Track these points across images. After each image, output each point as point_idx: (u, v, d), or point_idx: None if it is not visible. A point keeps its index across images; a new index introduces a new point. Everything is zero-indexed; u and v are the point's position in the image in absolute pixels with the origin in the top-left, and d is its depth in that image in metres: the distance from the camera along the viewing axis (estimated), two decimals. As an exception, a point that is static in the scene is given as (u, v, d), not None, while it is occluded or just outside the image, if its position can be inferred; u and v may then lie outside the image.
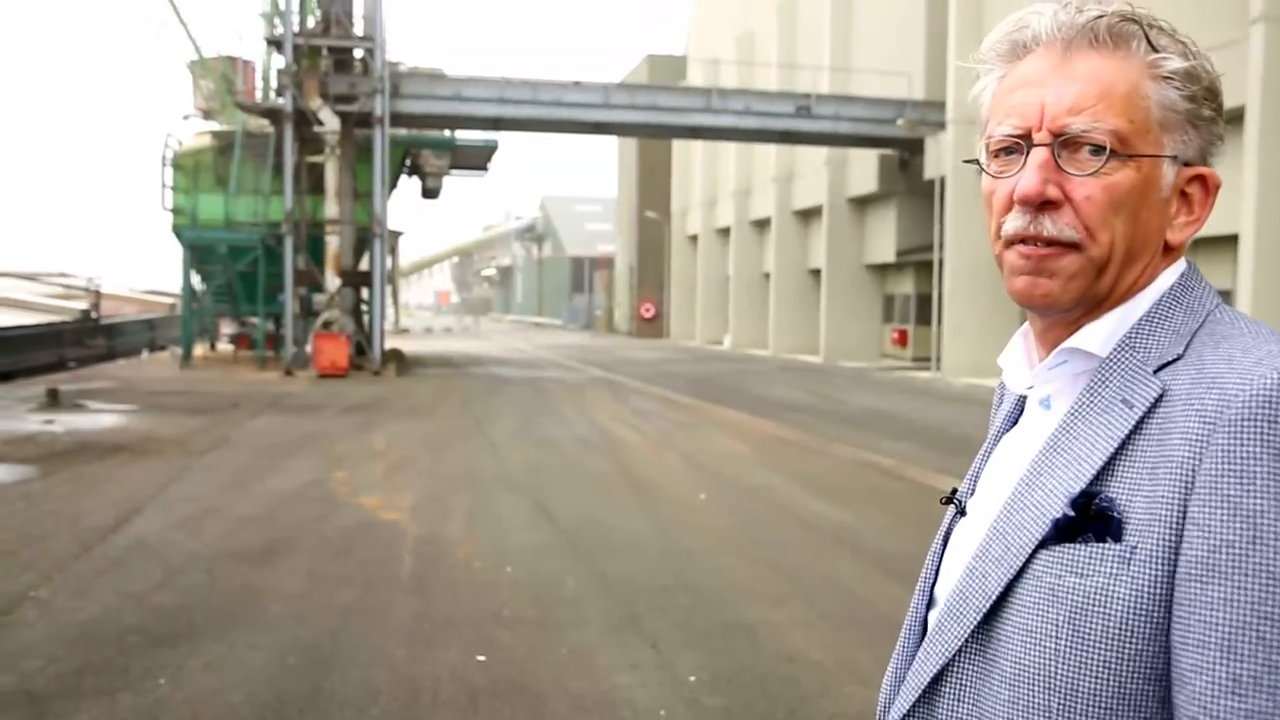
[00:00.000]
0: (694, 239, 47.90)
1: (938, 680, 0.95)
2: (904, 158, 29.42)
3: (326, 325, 23.58)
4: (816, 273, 35.32)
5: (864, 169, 31.24)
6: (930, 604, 1.04)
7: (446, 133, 29.57)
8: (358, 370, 23.26)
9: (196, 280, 26.84)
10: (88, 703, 4.29)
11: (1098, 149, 0.91)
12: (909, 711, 0.97)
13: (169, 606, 5.71)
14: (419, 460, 11.25)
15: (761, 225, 40.12)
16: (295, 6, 24.06)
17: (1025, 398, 1.04)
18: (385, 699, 4.41)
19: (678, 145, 48.44)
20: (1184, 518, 0.83)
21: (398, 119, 25.33)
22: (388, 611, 5.70)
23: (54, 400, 15.67)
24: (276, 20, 24.62)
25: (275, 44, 24.63)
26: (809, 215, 36.12)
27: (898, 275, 32.60)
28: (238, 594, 5.98)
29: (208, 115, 28.96)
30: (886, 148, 29.31)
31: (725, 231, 43.72)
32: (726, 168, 42.45)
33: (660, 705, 4.40)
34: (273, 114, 24.29)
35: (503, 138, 29.88)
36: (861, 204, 32.75)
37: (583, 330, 63.84)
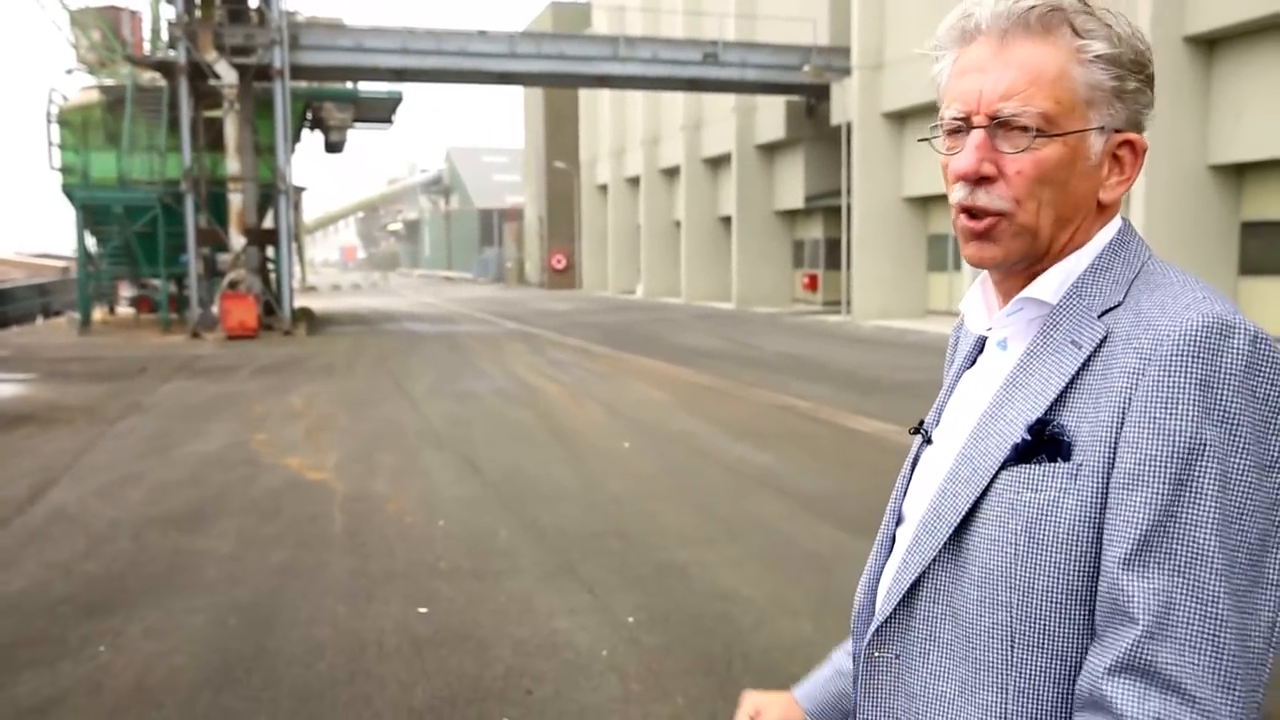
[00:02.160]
0: (604, 188, 47.75)
1: (915, 586, 1.10)
2: (810, 104, 29.69)
3: (233, 285, 23.06)
4: (727, 220, 35.59)
5: (771, 116, 31.46)
6: (899, 521, 1.19)
7: (349, 85, 28.89)
8: (268, 330, 22.84)
9: (91, 242, 25.90)
10: (27, 674, 4.26)
11: (1028, 128, 1.05)
12: (891, 615, 1.11)
13: (98, 575, 5.65)
14: (340, 419, 11.18)
15: (671, 173, 40.18)
16: (184, -47, 23.17)
17: (983, 339, 1.19)
18: (331, 653, 4.47)
19: (585, 94, 48.06)
20: (1120, 439, 0.98)
21: (298, 71, 24.64)
22: (324, 569, 5.73)
23: (-51, 371, 15.11)
24: (164, -32, 23.67)
25: (165, -7, 23.72)
26: (718, 163, 36.29)
27: (807, 220, 33.04)
28: (169, 559, 5.95)
29: (93, 69, 27.77)
30: (793, 94, 29.54)
31: (635, 180, 43.68)
32: (634, 116, 42.31)
33: (602, 646, 4.55)
34: (165, 67, 23.44)
35: (407, 89, 29.22)
36: (770, 150, 33.02)
37: (494, 283, 63.36)
